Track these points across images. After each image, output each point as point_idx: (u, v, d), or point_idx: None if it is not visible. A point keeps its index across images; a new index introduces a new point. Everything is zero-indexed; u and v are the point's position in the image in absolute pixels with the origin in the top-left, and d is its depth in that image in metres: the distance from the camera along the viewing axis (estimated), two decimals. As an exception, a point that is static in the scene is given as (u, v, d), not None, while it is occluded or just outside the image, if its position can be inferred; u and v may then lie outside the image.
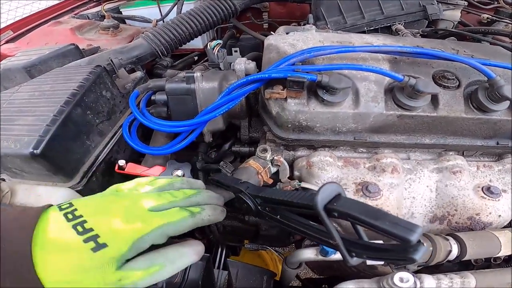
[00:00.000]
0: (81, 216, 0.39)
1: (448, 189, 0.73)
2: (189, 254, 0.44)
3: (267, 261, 1.82)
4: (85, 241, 0.36)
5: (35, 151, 0.62)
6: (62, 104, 0.69)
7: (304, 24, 1.32)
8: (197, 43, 1.42)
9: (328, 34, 0.77)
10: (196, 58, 1.53)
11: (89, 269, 0.35)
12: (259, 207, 0.57)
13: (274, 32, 1.48)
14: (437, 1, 1.07)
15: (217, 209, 0.51)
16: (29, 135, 0.64)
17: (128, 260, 0.38)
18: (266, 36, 1.38)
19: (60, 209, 0.40)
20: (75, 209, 0.40)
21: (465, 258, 0.64)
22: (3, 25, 1.33)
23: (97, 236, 0.37)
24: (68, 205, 0.41)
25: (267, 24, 1.51)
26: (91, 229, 0.37)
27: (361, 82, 0.65)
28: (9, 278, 0.34)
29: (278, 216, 0.53)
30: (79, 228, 0.37)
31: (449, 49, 0.71)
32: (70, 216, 0.39)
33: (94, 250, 0.36)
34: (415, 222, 0.66)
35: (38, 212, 0.39)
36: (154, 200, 0.44)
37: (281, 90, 0.65)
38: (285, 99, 0.66)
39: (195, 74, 0.76)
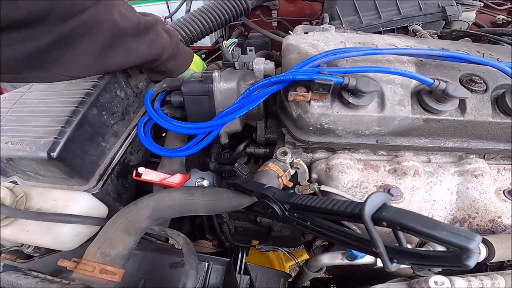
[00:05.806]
0: None
1: (469, 192, 0.73)
2: None
3: (272, 260, 1.81)
4: None
5: (51, 154, 0.60)
6: (77, 104, 0.67)
7: (317, 23, 1.31)
8: (205, 40, 1.39)
9: (348, 34, 0.76)
10: (203, 56, 1.51)
11: None
12: (286, 213, 0.56)
13: (282, 30, 1.46)
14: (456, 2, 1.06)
15: None
16: (45, 137, 0.62)
17: None
18: (275, 34, 1.36)
19: None
20: None
21: (493, 260, 0.63)
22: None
23: None
24: None
25: (276, 22, 1.48)
26: None
27: (387, 85, 0.63)
28: None
29: (308, 222, 0.52)
30: None
31: (474, 52, 0.69)
32: None
33: None
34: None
35: None
36: None
37: (305, 92, 0.63)
38: (309, 101, 0.65)
39: (213, 74, 0.74)
